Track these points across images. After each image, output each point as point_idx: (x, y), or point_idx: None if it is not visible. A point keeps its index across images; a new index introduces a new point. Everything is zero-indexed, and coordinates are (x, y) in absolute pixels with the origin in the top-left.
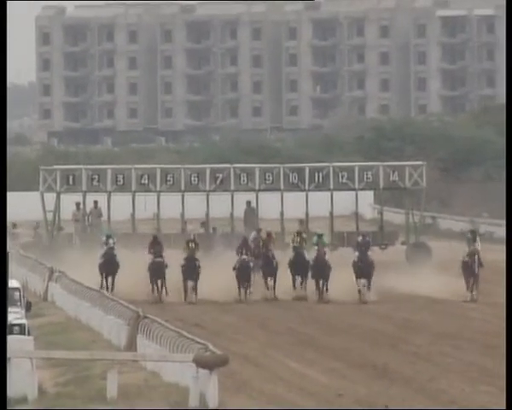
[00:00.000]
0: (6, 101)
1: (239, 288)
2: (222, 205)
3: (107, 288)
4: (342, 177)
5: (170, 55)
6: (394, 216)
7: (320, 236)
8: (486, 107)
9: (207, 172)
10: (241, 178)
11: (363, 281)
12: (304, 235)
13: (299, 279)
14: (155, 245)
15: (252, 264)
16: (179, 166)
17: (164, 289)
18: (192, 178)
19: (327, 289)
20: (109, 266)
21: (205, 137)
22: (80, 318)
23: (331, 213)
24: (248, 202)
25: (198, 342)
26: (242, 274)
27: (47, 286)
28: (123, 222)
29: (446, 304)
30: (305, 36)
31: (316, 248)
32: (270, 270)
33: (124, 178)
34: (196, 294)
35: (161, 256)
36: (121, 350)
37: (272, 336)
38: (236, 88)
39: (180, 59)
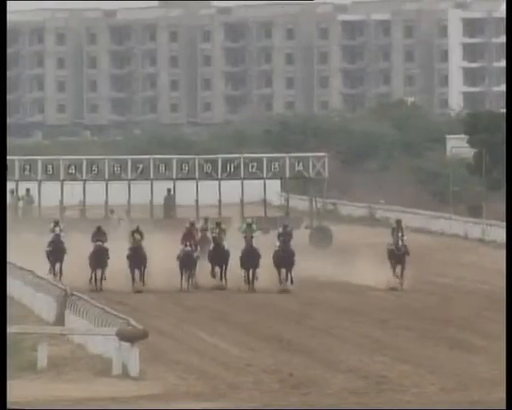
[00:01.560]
0: (6, 101)
1: (181, 277)
2: (143, 193)
3: (55, 274)
4: (252, 167)
5: (95, 55)
6: (299, 203)
7: (249, 224)
8: (382, 103)
9: (129, 162)
10: (160, 169)
11: (284, 271)
12: (223, 226)
13: (218, 270)
14: (99, 235)
15: (196, 254)
16: (103, 157)
17: (102, 278)
18: (115, 168)
19: (254, 278)
20: (57, 253)
21: (127, 131)
22: (13, 295)
23: (241, 200)
24: (169, 190)
25: (120, 318)
26: (185, 264)
27: None
28: (52, 208)
29: (346, 283)
30: (217, 39)
31: (244, 236)
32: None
33: (53, 167)
34: (144, 282)
35: (103, 244)
36: (50, 325)
37: (188, 313)
38: (155, 86)
39: (104, 60)
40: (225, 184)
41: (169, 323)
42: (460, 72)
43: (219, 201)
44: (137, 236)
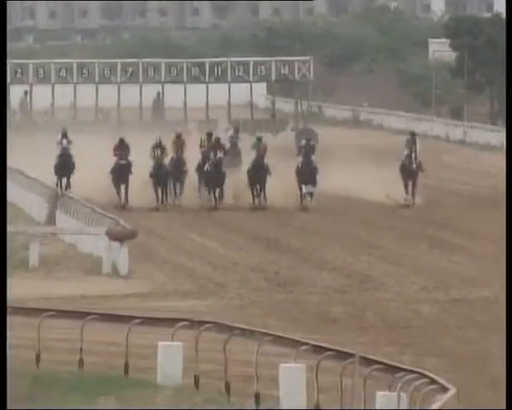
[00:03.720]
0: (6, 98)
1: (209, 192)
2: (132, 95)
3: (63, 188)
4: (239, 70)
5: None
6: (285, 105)
7: (259, 139)
8: (368, 7)
9: (118, 66)
10: (149, 72)
11: (308, 187)
12: (214, 137)
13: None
14: (121, 148)
15: (224, 168)
16: (94, 60)
17: (127, 194)
18: (105, 72)
19: (264, 194)
20: (64, 167)
21: (116, 35)
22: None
23: (229, 103)
24: (158, 93)
25: (110, 217)
26: (213, 178)
27: None
28: (43, 112)
29: (330, 186)
30: None
31: (255, 151)
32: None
33: (44, 71)
34: (166, 202)
35: (126, 160)
36: (42, 224)
37: (175, 215)
38: None
39: None
40: (212, 86)
41: None
42: None
43: (207, 103)
44: (158, 152)
